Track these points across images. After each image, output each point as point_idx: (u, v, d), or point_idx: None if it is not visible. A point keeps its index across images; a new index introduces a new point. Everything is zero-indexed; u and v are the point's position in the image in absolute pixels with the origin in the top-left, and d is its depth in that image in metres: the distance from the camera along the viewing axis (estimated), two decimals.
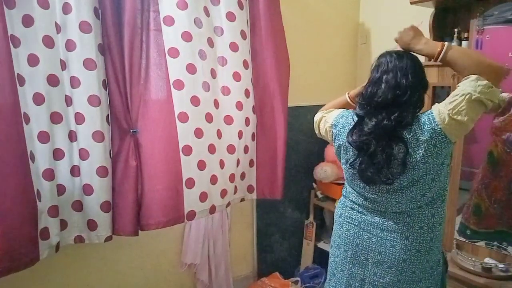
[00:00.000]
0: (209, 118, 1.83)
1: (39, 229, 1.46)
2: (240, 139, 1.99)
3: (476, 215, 1.91)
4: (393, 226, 1.27)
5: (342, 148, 1.34)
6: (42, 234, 1.48)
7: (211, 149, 1.86)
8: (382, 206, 1.29)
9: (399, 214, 1.27)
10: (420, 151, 1.15)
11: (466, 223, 1.95)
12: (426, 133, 1.14)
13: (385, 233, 1.28)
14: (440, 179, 1.23)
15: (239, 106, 1.95)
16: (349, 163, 1.29)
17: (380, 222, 1.30)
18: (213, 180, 1.88)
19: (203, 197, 1.85)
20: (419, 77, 1.21)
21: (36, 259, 1.46)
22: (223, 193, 1.94)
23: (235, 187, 2.05)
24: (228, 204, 2.04)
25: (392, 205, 1.26)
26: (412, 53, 1.26)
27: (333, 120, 1.39)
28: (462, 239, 1.94)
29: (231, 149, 1.96)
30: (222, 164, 1.92)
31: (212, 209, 1.92)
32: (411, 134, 1.16)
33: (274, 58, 2.00)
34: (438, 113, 1.14)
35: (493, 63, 1.13)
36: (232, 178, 1.99)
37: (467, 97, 1.10)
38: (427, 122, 1.15)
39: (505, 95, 1.56)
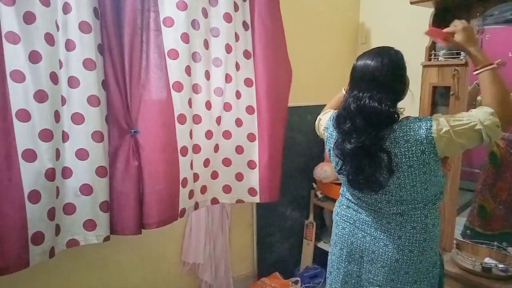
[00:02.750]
0: (197, 119, 1.86)
1: (31, 234, 1.42)
2: (225, 139, 1.95)
3: (481, 217, 1.90)
4: (386, 225, 1.28)
5: (331, 152, 1.35)
6: (34, 239, 1.43)
7: (216, 148, 1.90)
8: (375, 205, 1.29)
9: (392, 214, 1.27)
10: (407, 153, 1.15)
11: (471, 225, 1.94)
12: (417, 137, 1.14)
13: (378, 232, 1.29)
14: (434, 189, 1.22)
15: (228, 107, 1.95)
16: (336, 170, 1.32)
17: (374, 221, 1.30)
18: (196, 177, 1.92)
19: (191, 194, 1.89)
20: (392, 80, 1.19)
21: (25, 265, 1.43)
22: (190, 194, 1.91)
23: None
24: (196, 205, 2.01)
25: (383, 205, 1.27)
26: (390, 54, 1.21)
27: (325, 123, 1.43)
28: (467, 241, 1.92)
29: (216, 148, 1.95)
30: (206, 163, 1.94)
31: (196, 206, 1.97)
32: (399, 133, 1.16)
33: (269, 60, 1.98)
34: (437, 122, 1.14)
35: None
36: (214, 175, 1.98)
37: (471, 124, 1.11)
38: (423, 127, 1.14)
39: None
